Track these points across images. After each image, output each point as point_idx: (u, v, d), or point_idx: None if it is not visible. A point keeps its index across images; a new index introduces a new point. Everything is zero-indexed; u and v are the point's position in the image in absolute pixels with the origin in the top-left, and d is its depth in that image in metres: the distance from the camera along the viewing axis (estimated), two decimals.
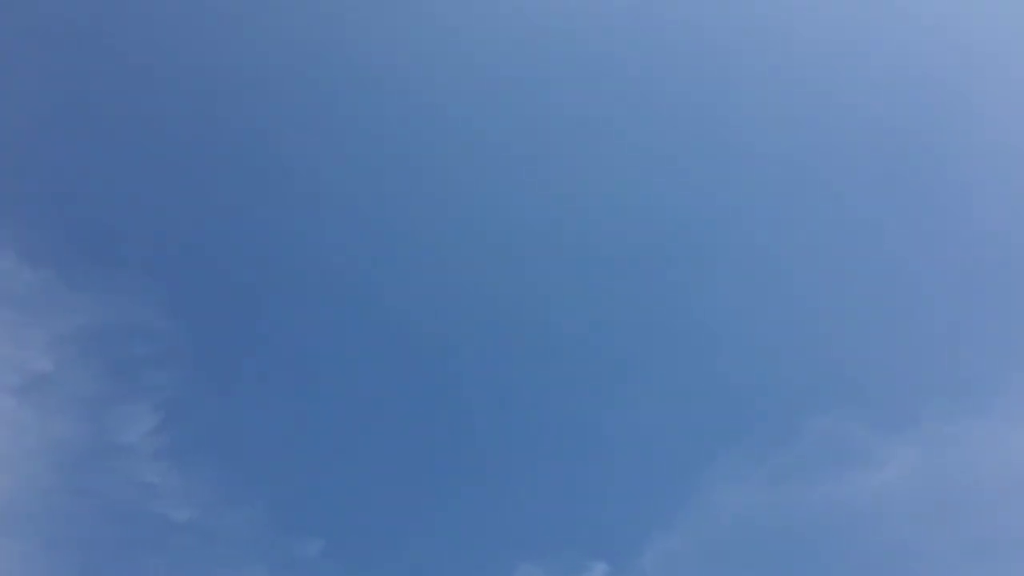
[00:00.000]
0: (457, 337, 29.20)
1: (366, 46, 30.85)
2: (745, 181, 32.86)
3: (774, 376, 30.33)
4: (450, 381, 29.14)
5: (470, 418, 28.76)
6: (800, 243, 32.09)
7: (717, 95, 33.63)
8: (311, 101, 29.72)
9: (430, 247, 30.13)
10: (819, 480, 27.84)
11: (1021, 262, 31.41)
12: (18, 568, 21.55)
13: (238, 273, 27.76)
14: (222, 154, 28.35)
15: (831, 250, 31.81)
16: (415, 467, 28.12)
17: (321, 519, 25.62)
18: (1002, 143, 32.46)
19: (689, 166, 32.74)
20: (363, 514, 26.50)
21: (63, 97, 26.65)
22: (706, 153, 32.96)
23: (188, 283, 26.62)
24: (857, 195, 32.88)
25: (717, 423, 29.34)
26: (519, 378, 29.46)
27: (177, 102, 27.57)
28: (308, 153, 29.32)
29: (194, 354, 25.84)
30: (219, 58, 28.45)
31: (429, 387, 28.97)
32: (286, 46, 29.92)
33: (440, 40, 31.96)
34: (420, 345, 29.18)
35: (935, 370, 29.76)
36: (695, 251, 31.65)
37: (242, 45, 29.10)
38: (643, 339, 30.30)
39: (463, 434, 28.60)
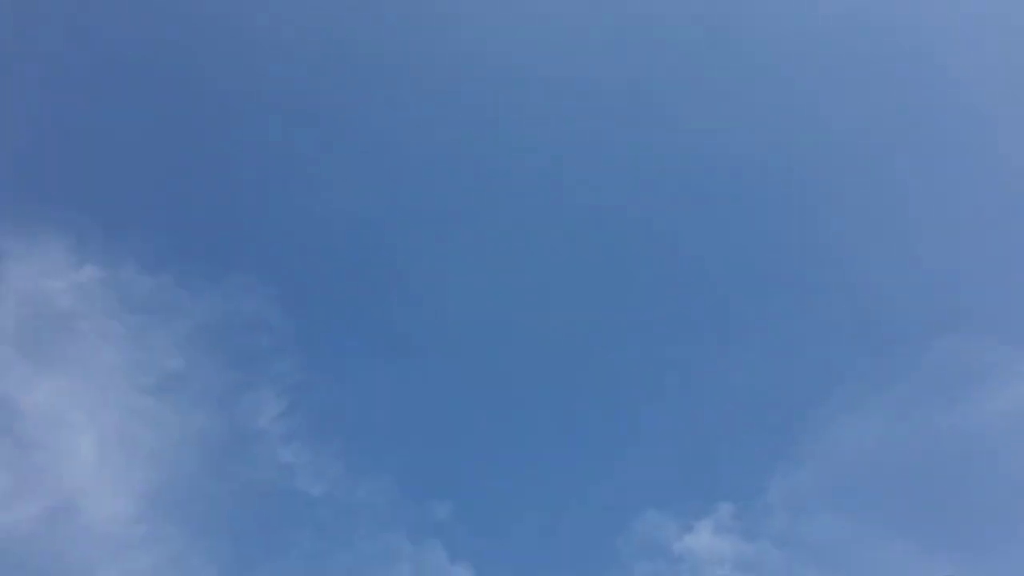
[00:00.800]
0: (565, 298, 29.52)
1: None
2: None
3: (893, 300, 29.13)
4: (563, 338, 29.44)
5: (587, 373, 29.01)
6: (915, 165, 30.54)
7: None
8: (420, 109, 29.82)
9: (522, 233, 30.27)
10: (945, 405, 26.73)
11: None
12: (177, 550, 23.25)
13: (341, 263, 28.96)
14: (317, 157, 29.16)
15: (947, 170, 30.14)
16: (536, 425, 28.74)
17: (448, 483, 26.75)
18: None
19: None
20: (488, 474, 27.43)
21: (168, 114, 27.81)
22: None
23: (296, 277, 27.98)
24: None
25: (834, 354, 28.51)
26: (631, 327, 29.38)
27: (279, 111, 28.39)
28: (404, 152, 29.62)
29: (309, 340, 27.23)
30: (323, 78, 28.77)
31: (545, 344, 29.38)
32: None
33: None
34: (531, 306, 29.62)
35: None
36: (812, 185, 30.53)
37: (353, 49, 29.05)
38: (756, 275, 29.68)
39: (582, 389, 28.89)
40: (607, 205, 30.90)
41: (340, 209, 29.56)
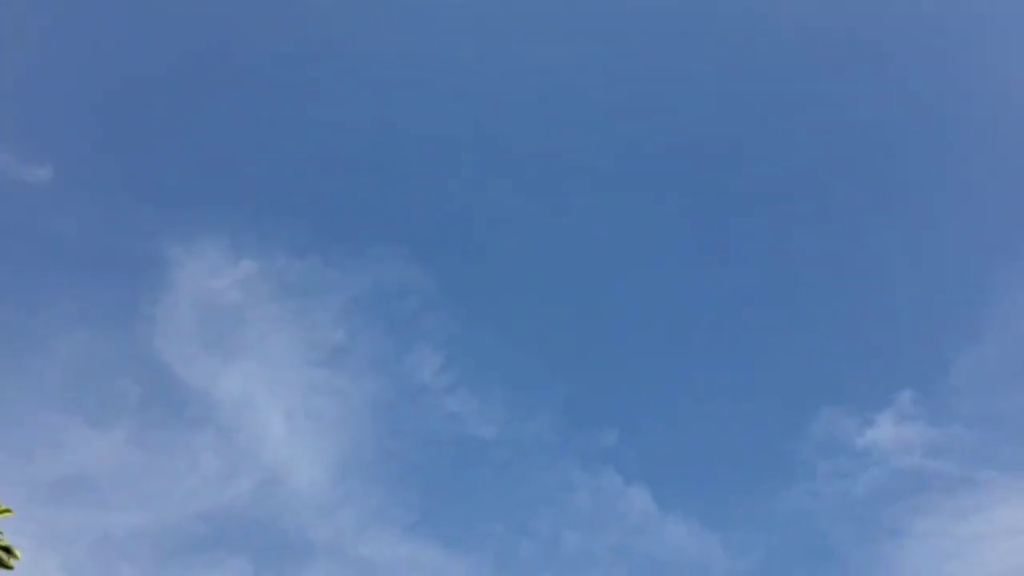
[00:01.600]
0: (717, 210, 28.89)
1: None
2: None
3: None
4: (720, 241, 28.82)
5: (753, 272, 28.61)
6: None
7: None
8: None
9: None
10: None
11: None
12: (375, 505, 25.16)
13: (466, 216, 29.70)
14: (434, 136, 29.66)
15: None
16: (695, 339, 28.53)
17: (611, 410, 27.27)
18: None
19: None
20: (651, 396, 27.65)
21: (297, 105, 29.10)
22: None
23: (430, 237, 29.04)
24: None
25: (1007, 222, 26.37)
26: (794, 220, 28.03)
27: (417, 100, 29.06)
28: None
29: (453, 294, 28.36)
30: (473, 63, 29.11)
31: (699, 251, 28.94)
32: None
33: None
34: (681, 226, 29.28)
35: None
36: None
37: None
38: (925, 158, 27.48)
39: (748, 289, 28.53)
40: None
41: (456, 170, 30.11)
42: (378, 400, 26.72)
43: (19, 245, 23.80)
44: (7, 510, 4.41)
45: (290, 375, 26.56)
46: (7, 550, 4.39)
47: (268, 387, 26.50)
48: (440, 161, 29.42)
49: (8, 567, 4.36)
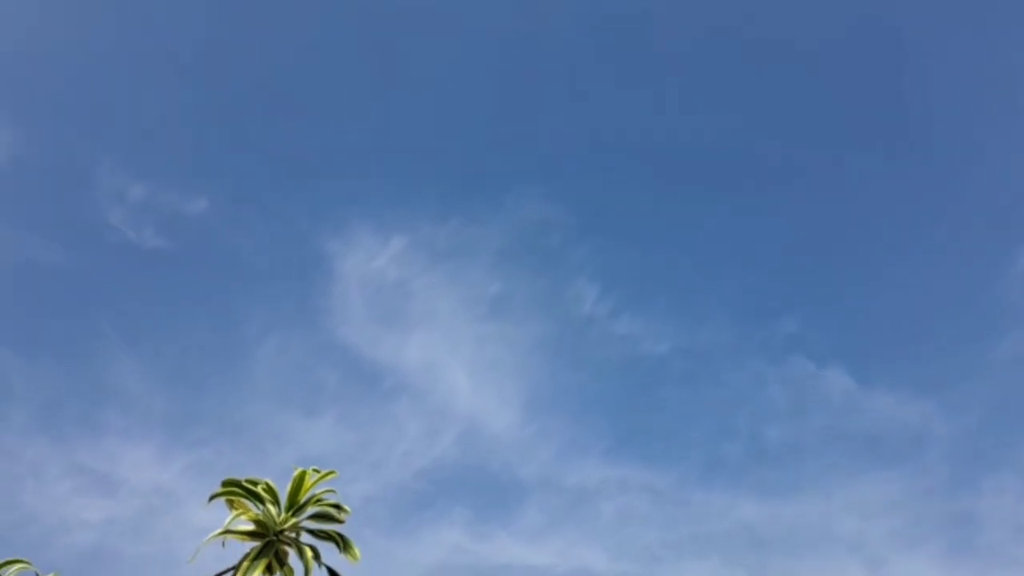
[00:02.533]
0: None
1: None
2: None
3: None
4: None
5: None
6: None
7: None
8: None
9: None
10: None
11: None
12: (569, 436, 25.49)
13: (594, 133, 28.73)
14: None
15: None
16: (868, 192, 27.51)
17: (785, 296, 27.13)
18: None
19: None
20: (825, 268, 27.33)
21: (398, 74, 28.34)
22: None
23: (560, 172, 28.29)
24: None
25: None
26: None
27: None
28: None
29: (594, 222, 28.02)
30: None
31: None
32: None
33: None
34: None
35: None
36: None
37: None
38: None
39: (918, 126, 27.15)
40: None
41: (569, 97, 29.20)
42: (546, 339, 26.98)
43: (206, 270, 25.69)
44: (331, 472, 5.04)
45: (461, 333, 27.37)
46: (337, 507, 5.05)
47: (445, 348, 27.29)
48: (551, 92, 29.08)
49: (339, 521, 5.06)
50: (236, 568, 4.91)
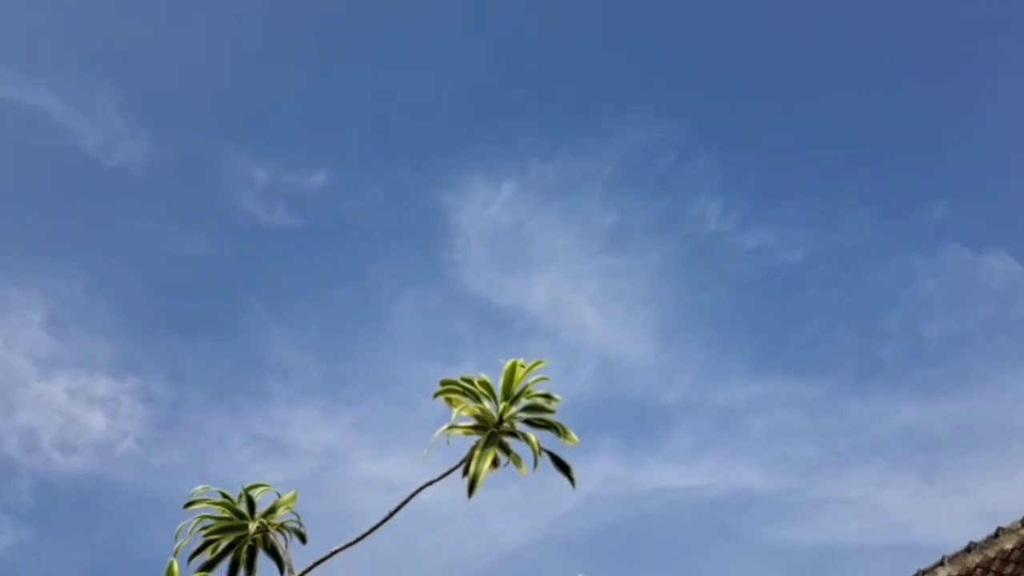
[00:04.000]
0: None
1: None
2: None
3: None
4: None
5: None
6: None
7: None
8: None
9: None
10: None
11: None
12: (708, 357, 25.90)
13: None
14: None
15: None
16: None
17: (928, 181, 26.27)
18: None
19: None
20: (972, 141, 25.96)
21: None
22: None
23: (661, 92, 27.63)
24: None
25: None
26: None
27: None
28: None
29: (705, 135, 27.48)
30: None
31: None
32: None
33: None
34: None
35: None
36: None
37: None
38: None
39: None
40: None
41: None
42: (672, 263, 27.54)
43: (335, 238, 26.03)
44: (539, 362, 5.18)
45: (582, 269, 28.07)
46: (547, 397, 5.19)
47: (569, 286, 28.44)
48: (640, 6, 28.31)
49: (550, 411, 5.16)
50: (467, 459, 5.14)
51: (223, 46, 26.00)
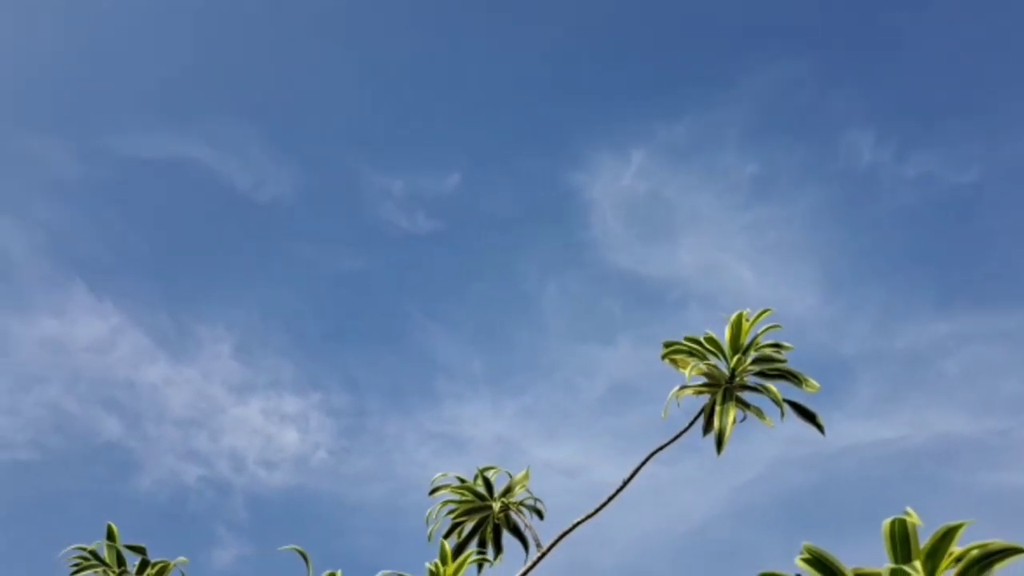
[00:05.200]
0: None
1: None
2: None
3: None
4: None
5: None
6: None
7: None
8: None
9: None
10: None
11: None
12: (884, 299, 24.31)
13: None
14: None
15: None
16: None
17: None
18: None
19: None
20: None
21: None
22: None
23: (792, 28, 27.57)
24: None
25: None
26: None
27: None
28: None
29: (845, 63, 26.65)
30: None
31: None
32: None
33: None
34: None
35: None
36: None
37: None
38: None
39: None
40: None
41: None
42: (827, 205, 26.71)
43: (476, 235, 26.74)
44: (766, 310, 5.18)
45: (729, 226, 27.63)
46: (777, 346, 5.20)
47: (717, 246, 28.00)
48: None
49: (781, 360, 5.15)
50: (707, 416, 5.08)
51: (338, 69, 26.99)
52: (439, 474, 5.95)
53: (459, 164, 26.62)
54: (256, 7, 24.83)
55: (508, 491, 5.92)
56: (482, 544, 5.80)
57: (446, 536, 5.77)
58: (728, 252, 26.00)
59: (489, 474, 5.97)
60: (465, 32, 26.80)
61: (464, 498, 5.82)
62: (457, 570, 4.64)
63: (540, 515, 5.93)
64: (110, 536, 4.77)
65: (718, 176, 26.49)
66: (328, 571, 4.11)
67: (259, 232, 25.65)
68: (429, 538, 5.68)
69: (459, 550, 5.74)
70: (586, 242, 26.54)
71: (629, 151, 26.55)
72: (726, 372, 5.17)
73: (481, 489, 5.89)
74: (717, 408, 4.99)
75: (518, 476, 6.01)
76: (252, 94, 25.28)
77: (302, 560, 4.52)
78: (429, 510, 5.82)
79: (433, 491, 5.88)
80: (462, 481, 5.92)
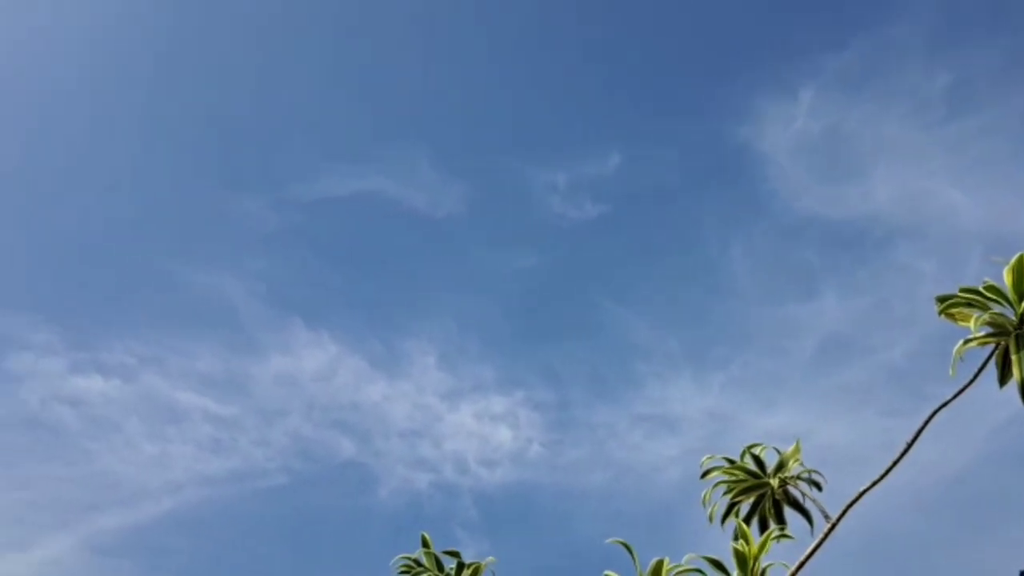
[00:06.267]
0: None
1: None
2: None
3: None
4: None
5: None
6: None
7: None
8: None
9: None
10: None
11: None
12: None
13: None
14: None
15: None
16: None
17: None
18: None
19: None
20: None
21: None
22: None
23: None
24: None
25: None
26: None
27: None
28: None
29: None
30: None
31: None
32: None
33: None
34: None
35: None
36: None
37: None
38: None
39: None
40: None
41: None
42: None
43: (647, 209, 26.42)
44: None
45: (925, 148, 25.53)
46: None
47: (917, 171, 25.90)
48: None
49: None
50: (1000, 366, 4.86)
51: (480, 80, 27.34)
52: (706, 457, 6.00)
53: (616, 144, 26.33)
54: (391, 34, 25.74)
55: (781, 466, 5.89)
56: (763, 521, 5.80)
57: (724, 516, 5.82)
58: (930, 177, 23.83)
59: (756, 451, 5.96)
60: (587, 9, 26.47)
61: (737, 477, 5.84)
62: (761, 548, 4.66)
63: (819, 487, 5.86)
64: (425, 544, 5.14)
65: (903, 96, 24.37)
66: (656, 558, 4.24)
67: (441, 247, 26.58)
68: (710, 518, 5.75)
69: (739, 529, 5.77)
70: (766, 196, 25.30)
71: (796, 91, 25.01)
72: (1013, 319, 4.91)
73: (753, 467, 5.89)
74: (1013, 357, 4.76)
75: (788, 451, 5.96)
76: (410, 118, 26.21)
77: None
78: (704, 492, 5.89)
79: (704, 474, 5.94)
80: (731, 462, 5.94)
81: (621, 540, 4.27)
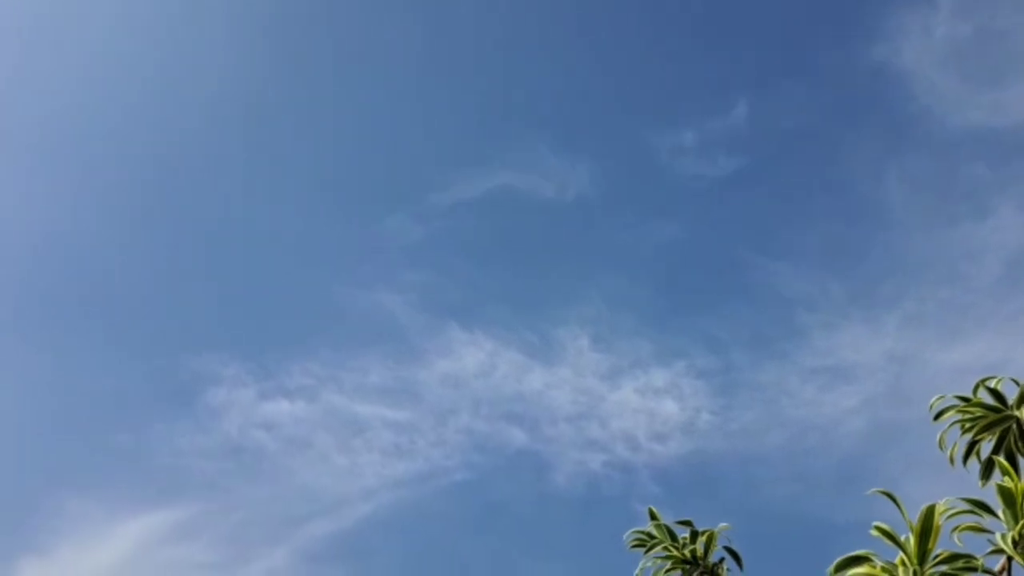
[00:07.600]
0: None
1: None
2: None
3: None
4: None
5: None
6: None
7: None
8: None
9: None
10: None
11: None
12: None
13: None
14: None
15: None
16: None
17: None
18: None
19: None
20: None
21: None
22: None
23: None
24: None
25: None
26: None
27: None
28: None
29: None
30: None
31: None
32: None
33: None
34: None
35: None
36: None
37: None
38: None
39: None
40: None
41: None
42: None
43: (790, 154, 25.30)
44: None
45: None
46: None
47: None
48: None
49: None
50: None
51: (582, 47, 26.77)
52: (935, 398, 5.59)
53: (740, 92, 25.33)
54: (487, 19, 25.68)
55: (1021, 399, 5.40)
56: (1010, 458, 5.34)
57: (966, 456, 5.40)
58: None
59: (992, 383, 5.50)
60: None
61: (975, 415, 5.41)
62: None
63: None
64: (653, 517, 5.01)
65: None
66: (926, 504, 3.94)
67: (577, 229, 26.39)
68: (951, 459, 5.36)
69: (987, 468, 5.34)
70: (917, 115, 23.65)
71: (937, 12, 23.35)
72: None
73: (991, 401, 5.43)
74: None
75: None
76: (521, 108, 26.14)
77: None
78: (939, 434, 5.49)
79: (937, 416, 5.54)
80: (964, 399, 5.51)
81: (884, 490, 4.01)
